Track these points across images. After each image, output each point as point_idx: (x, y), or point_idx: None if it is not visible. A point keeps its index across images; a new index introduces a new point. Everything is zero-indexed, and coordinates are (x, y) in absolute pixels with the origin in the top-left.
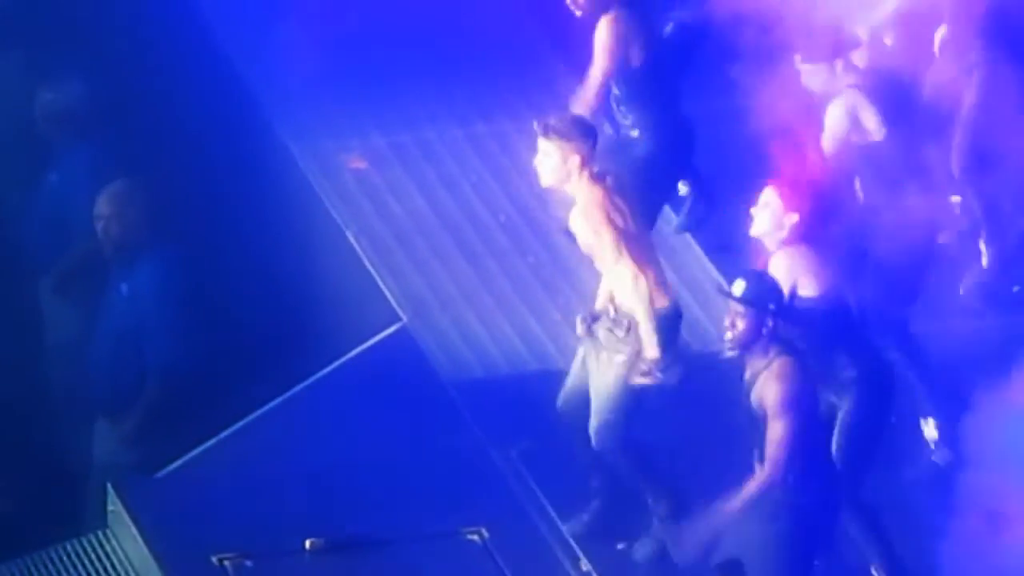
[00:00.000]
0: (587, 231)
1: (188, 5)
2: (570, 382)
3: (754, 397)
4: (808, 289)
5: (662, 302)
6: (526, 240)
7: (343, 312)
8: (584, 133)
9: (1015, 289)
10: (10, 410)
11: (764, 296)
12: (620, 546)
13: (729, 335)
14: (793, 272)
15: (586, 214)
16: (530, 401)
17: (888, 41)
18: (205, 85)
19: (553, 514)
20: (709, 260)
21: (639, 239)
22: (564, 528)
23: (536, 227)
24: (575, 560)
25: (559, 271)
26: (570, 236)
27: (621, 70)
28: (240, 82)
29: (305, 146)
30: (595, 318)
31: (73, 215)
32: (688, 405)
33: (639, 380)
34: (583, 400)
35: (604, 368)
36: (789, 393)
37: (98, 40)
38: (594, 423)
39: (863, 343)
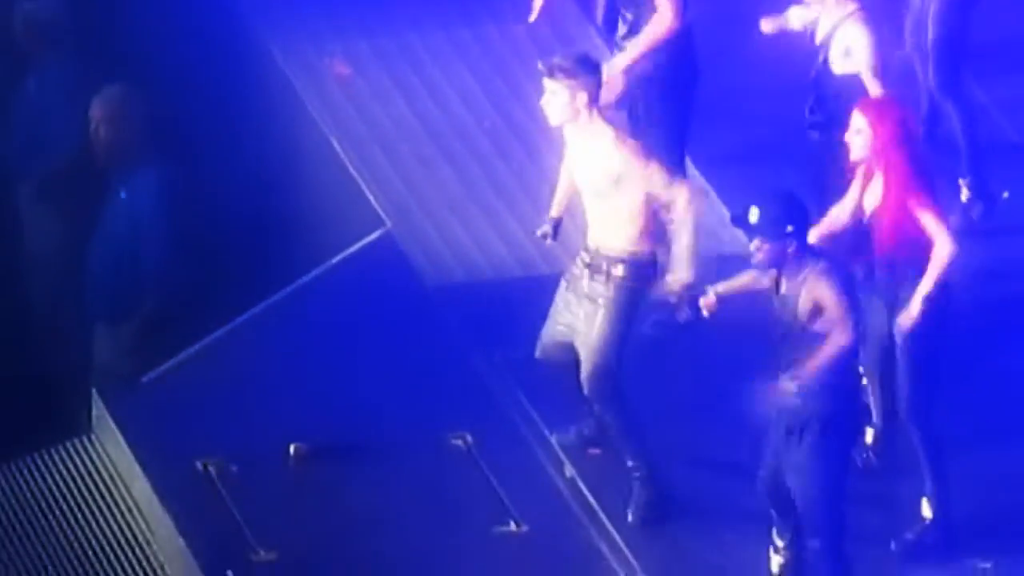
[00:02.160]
0: (617, 162)
1: None
2: (549, 330)
3: (802, 306)
4: None
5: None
6: (510, 146)
7: (327, 218)
8: (590, 69)
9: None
10: None
11: (781, 221)
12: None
13: (754, 259)
14: None
15: (616, 145)
16: (513, 306)
17: None
18: None
19: (537, 419)
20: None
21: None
22: (552, 438)
23: (520, 133)
24: (559, 465)
25: (543, 177)
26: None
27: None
28: None
29: (288, 50)
30: (594, 267)
31: (53, 123)
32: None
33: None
34: (567, 348)
35: (590, 317)
36: (839, 286)
37: None
38: (585, 370)
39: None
